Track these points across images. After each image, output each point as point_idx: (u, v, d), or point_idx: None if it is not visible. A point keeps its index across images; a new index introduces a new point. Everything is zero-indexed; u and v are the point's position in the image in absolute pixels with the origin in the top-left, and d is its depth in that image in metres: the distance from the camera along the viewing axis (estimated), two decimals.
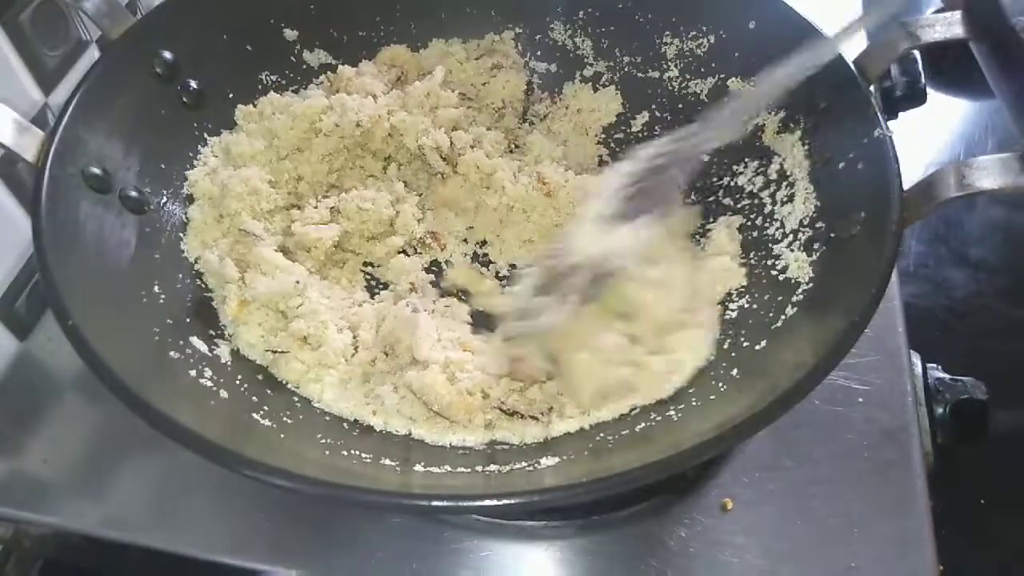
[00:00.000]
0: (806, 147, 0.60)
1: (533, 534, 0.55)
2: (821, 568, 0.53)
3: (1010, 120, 0.53)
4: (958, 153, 0.92)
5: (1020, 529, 0.68)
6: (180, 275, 0.58)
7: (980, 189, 0.47)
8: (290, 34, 0.69)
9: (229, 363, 0.55)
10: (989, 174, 0.47)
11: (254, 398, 0.52)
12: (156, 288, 0.55)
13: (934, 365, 0.62)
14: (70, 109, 0.54)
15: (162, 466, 0.58)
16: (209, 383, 0.51)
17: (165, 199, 0.60)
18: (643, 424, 0.52)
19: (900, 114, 0.76)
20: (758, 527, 0.54)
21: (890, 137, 0.52)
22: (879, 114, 0.53)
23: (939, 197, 0.48)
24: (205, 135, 0.64)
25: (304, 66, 0.70)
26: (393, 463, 0.49)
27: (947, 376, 0.61)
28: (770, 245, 0.60)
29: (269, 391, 0.54)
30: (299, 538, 0.54)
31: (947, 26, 0.54)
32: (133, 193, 0.57)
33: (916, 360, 0.62)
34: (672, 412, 0.51)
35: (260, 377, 0.55)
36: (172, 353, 0.51)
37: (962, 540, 0.63)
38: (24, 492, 0.58)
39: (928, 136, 0.94)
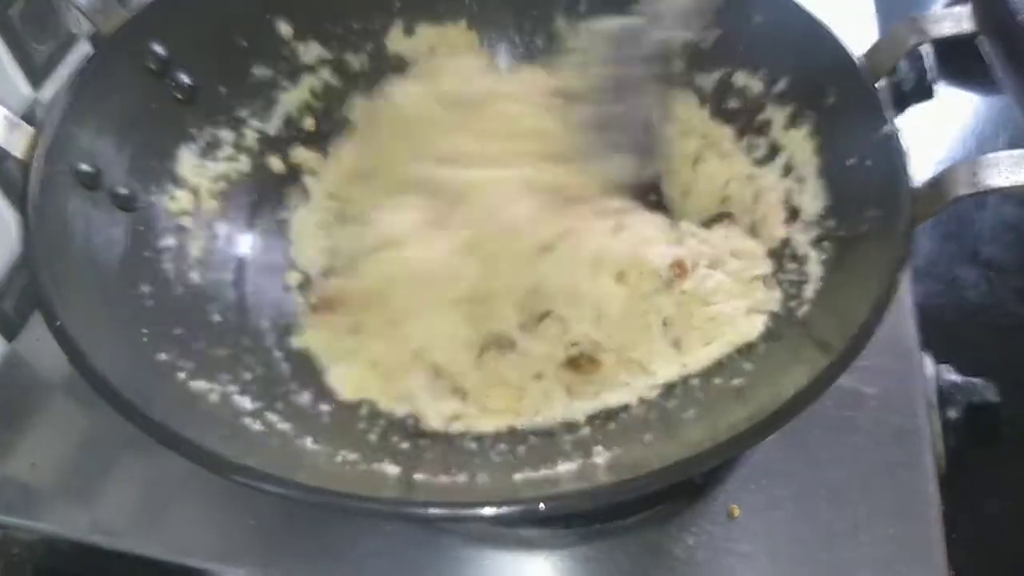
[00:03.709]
0: (815, 143, 0.59)
1: (534, 542, 0.54)
2: (831, 574, 0.52)
3: (1021, 117, 0.52)
4: (970, 149, 0.91)
5: None
6: (170, 274, 0.57)
7: (992, 187, 0.46)
8: (283, 27, 0.67)
9: None
10: (1001, 171, 0.46)
11: None
12: (145, 288, 0.54)
13: (946, 366, 0.61)
14: (61, 105, 0.52)
15: (153, 471, 0.57)
16: (199, 386, 0.50)
17: (155, 196, 0.59)
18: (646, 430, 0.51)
19: (909, 110, 0.75)
20: (766, 534, 0.53)
21: (899, 133, 0.51)
22: (887, 109, 0.52)
23: (950, 194, 0.46)
24: (196, 131, 0.63)
25: (298, 60, 0.69)
26: (392, 469, 0.48)
27: (959, 378, 0.59)
28: None
29: None
30: (292, 545, 0.53)
31: (956, 21, 0.54)
32: (124, 190, 0.56)
33: (928, 362, 0.61)
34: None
35: None
36: (162, 355, 0.50)
37: (973, 545, 0.62)
38: (12, 497, 0.57)
39: (939, 132, 0.93)
